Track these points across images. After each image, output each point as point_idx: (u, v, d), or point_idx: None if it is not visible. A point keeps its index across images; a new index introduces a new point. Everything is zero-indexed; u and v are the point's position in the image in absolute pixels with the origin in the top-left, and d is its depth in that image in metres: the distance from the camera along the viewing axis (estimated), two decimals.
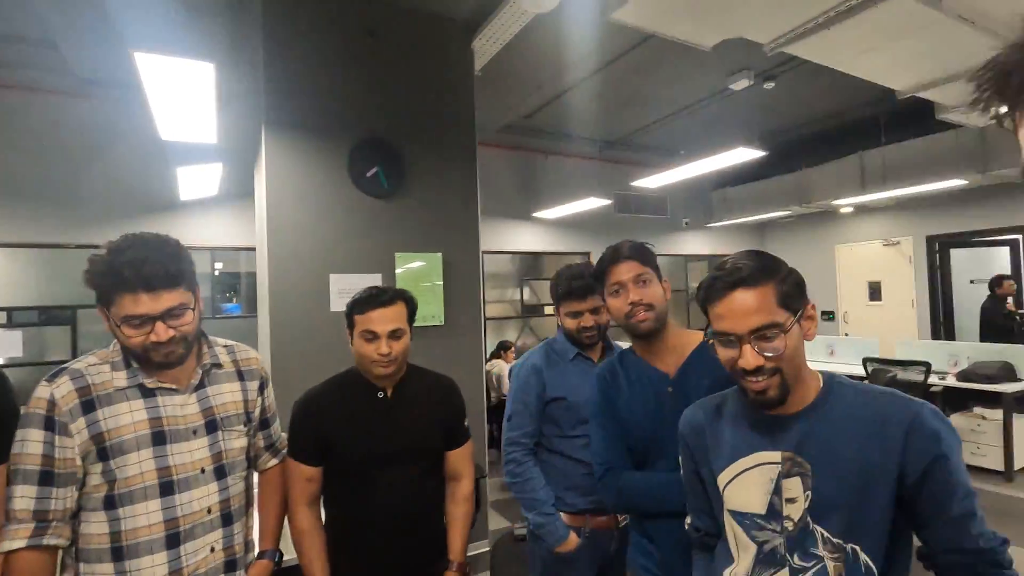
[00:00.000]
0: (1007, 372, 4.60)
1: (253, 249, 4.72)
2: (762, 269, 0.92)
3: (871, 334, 6.74)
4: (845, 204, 6.85)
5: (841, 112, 5.90)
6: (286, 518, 1.44)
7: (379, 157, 3.10)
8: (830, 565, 0.87)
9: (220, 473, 1.20)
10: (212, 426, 1.21)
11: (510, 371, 1.87)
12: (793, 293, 0.92)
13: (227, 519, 1.21)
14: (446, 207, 3.31)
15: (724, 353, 0.94)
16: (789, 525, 0.91)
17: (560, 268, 1.76)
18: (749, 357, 0.89)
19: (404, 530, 1.42)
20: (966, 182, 5.53)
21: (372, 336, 1.40)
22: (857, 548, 0.86)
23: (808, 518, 0.89)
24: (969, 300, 6.67)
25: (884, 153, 5.92)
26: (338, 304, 2.97)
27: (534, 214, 6.71)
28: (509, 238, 6.70)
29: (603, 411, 1.40)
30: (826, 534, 0.88)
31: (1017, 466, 4.36)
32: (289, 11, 2.92)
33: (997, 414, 4.41)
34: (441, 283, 3.25)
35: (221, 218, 5.15)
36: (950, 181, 5.48)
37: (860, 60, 2.58)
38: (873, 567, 0.86)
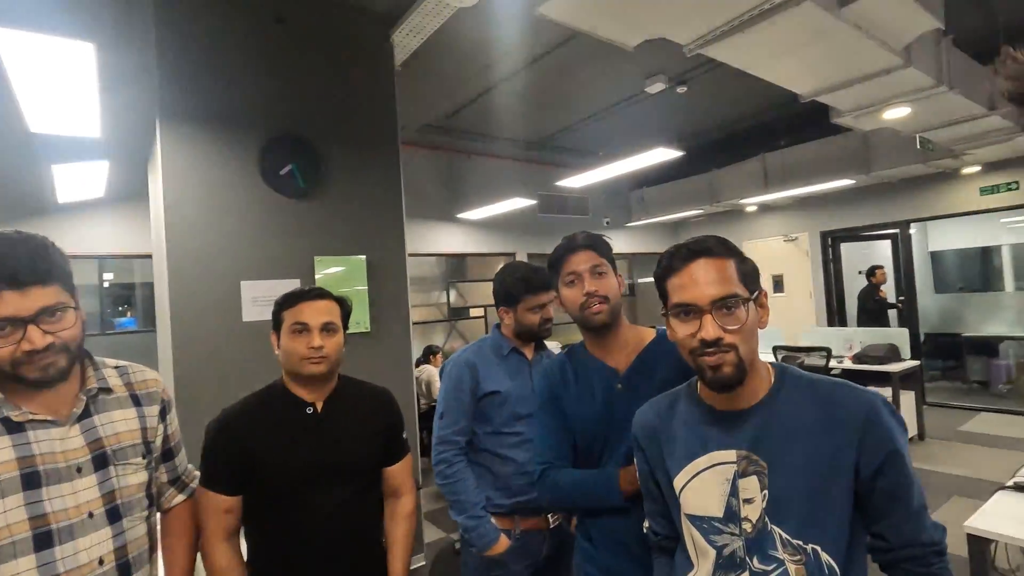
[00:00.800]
0: (894, 353, 5.09)
1: (149, 256, 4.27)
2: (724, 244, 0.92)
3: (776, 323, 7.25)
4: (750, 203, 7.33)
5: (746, 116, 6.29)
6: (199, 558, 1.26)
7: (294, 154, 2.88)
8: (791, 568, 0.85)
9: (114, 516, 1.01)
10: (102, 461, 1.02)
11: (441, 369, 1.84)
12: (750, 275, 0.91)
13: (125, 570, 1.02)
14: (369, 208, 3.15)
15: (682, 328, 0.89)
16: (747, 527, 0.88)
17: (504, 267, 1.75)
18: (709, 327, 0.85)
19: (340, 556, 1.29)
20: (853, 182, 6.08)
21: (302, 328, 1.27)
22: (818, 548, 0.84)
23: (766, 518, 0.87)
24: (858, 289, 7.37)
25: (784, 155, 6.38)
26: (252, 313, 2.72)
27: (458, 215, 6.61)
28: (433, 240, 6.56)
29: (547, 408, 1.36)
30: (785, 535, 0.85)
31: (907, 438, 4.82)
32: None
33: (887, 391, 4.86)
34: (366, 288, 3.08)
35: (109, 223, 4.62)
36: (839, 181, 6.01)
37: (770, 64, 2.72)
38: (835, 567, 0.84)
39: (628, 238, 8.62)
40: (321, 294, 1.34)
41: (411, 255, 3.46)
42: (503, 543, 1.60)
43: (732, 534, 0.89)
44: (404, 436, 1.48)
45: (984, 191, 5.89)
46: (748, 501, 0.88)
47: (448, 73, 4.34)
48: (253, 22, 2.83)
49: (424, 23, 3.14)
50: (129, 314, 5.67)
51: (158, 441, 1.15)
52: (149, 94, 2.79)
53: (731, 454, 0.90)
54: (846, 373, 5.15)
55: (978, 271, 7.87)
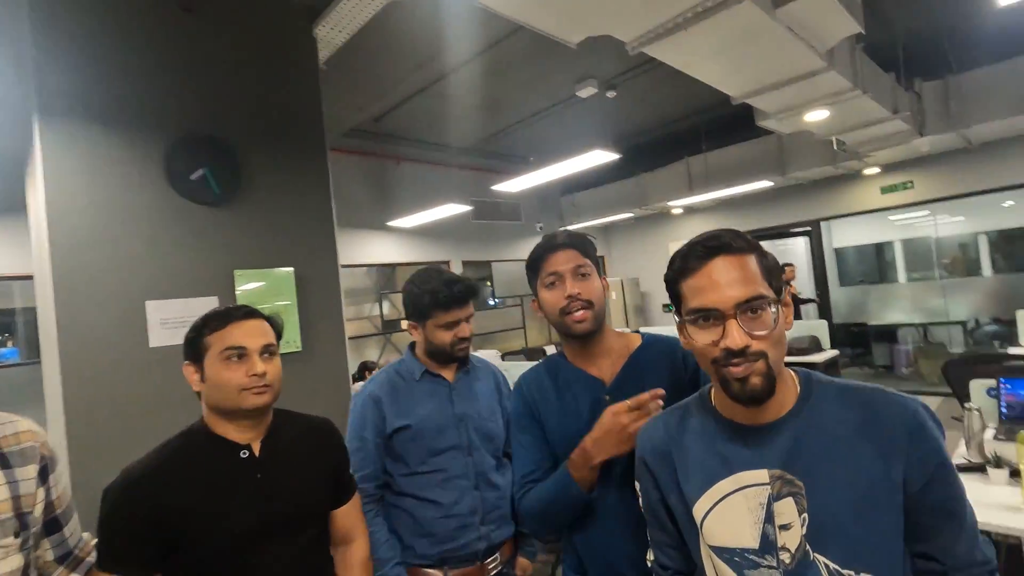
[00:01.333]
0: (816, 344, 5.39)
1: (30, 277, 3.71)
2: (743, 238, 0.81)
3: None
4: (676, 205, 7.57)
5: (672, 121, 6.48)
6: None
7: (207, 157, 2.57)
8: None
9: None
10: None
11: (352, 400, 1.61)
12: (774, 271, 0.79)
13: None
14: (296, 215, 2.87)
15: (701, 336, 0.78)
16: (786, 558, 0.76)
17: (413, 275, 1.51)
18: (735, 334, 0.74)
19: None
20: (771, 183, 6.41)
21: (239, 353, 1.05)
22: None
23: (807, 546, 0.75)
24: None
25: (707, 159, 6.64)
26: (161, 337, 2.38)
27: (389, 223, 6.33)
28: (363, 250, 6.24)
29: (523, 426, 1.21)
30: (832, 565, 0.74)
31: None
32: None
33: None
34: (294, 303, 2.80)
35: None
36: (758, 183, 6.32)
37: (707, 65, 2.75)
38: None
39: None
40: (251, 313, 1.12)
41: (342, 266, 3.22)
42: None
43: (770, 567, 0.77)
44: (351, 472, 1.29)
45: (885, 190, 6.40)
46: (785, 527, 0.77)
47: (376, 73, 4.12)
48: (154, 9, 2.50)
49: (350, 17, 2.93)
50: (10, 344, 4.97)
51: (38, 511, 0.90)
52: (24, 92, 2.38)
53: (762, 474, 0.79)
54: None
55: (875, 265, 8.59)
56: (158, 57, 2.50)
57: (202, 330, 1.08)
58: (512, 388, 1.31)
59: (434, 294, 1.43)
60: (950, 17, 4.22)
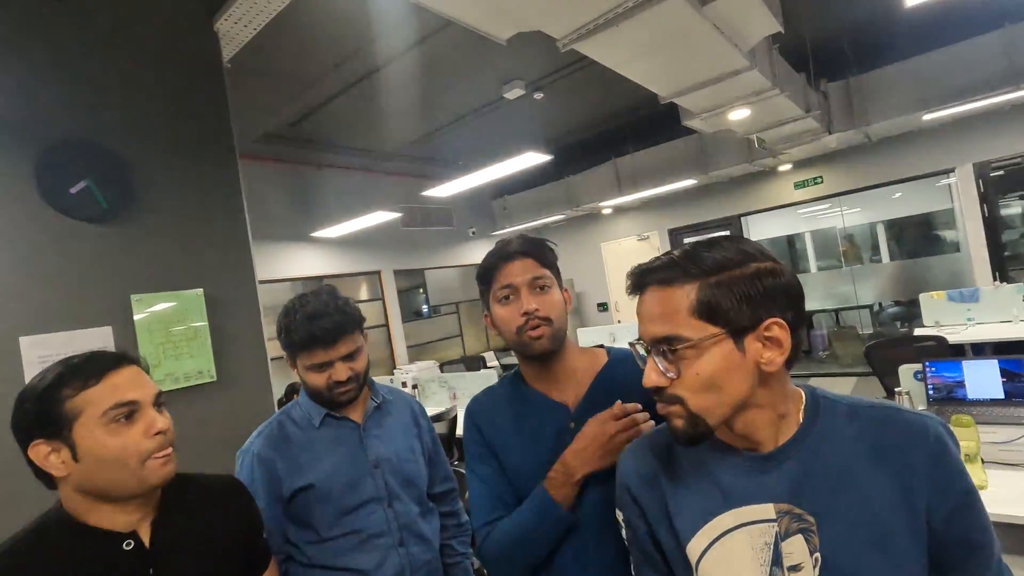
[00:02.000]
0: None
1: None
2: (688, 263, 0.70)
3: (636, 318, 7.65)
4: (606, 206, 7.68)
5: (598, 123, 6.55)
6: None
7: (88, 166, 2.23)
8: None
9: None
10: None
11: (236, 458, 1.32)
12: (731, 301, 0.67)
13: None
14: (203, 230, 2.57)
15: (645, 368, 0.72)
16: None
17: (287, 304, 1.26)
18: (649, 372, 0.71)
19: None
20: (694, 181, 6.63)
21: (132, 410, 0.82)
22: None
23: None
24: None
25: (633, 159, 6.77)
26: None
27: (312, 234, 5.98)
28: (284, 263, 5.85)
29: (480, 456, 1.06)
30: None
31: None
32: None
33: None
34: (205, 325, 2.50)
35: None
36: (682, 182, 6.51)
37: (636, 63, 2.73)
38: None
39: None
40: (120, 358, 0.87)
41: (260, 282, 2.93)
42: None
43: None
44: (264, 536, 1.06)
45: (798, 185, 6.78)
46: (795, 568, 0.67)
47: (290, 73, 3.83)
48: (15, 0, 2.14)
49: (254, 11, 2.67)
50: None
51: None
52: None
53: (768, 509, 0.69)
54: None
55: (788, 256, 9.13)
56: (25, 51, 2.14)
57: (56, 393, 0.80)
58: (464, 414, 1.15)
59: (288, 331, 1.21)
60: (854, 19, 4.50)
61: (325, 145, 5.71)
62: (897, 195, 6.96)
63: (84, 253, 2.21)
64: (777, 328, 0.68)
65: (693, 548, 0.73)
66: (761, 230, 8.69)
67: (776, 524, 0.69)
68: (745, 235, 7.99)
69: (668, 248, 7.85)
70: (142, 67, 2.47)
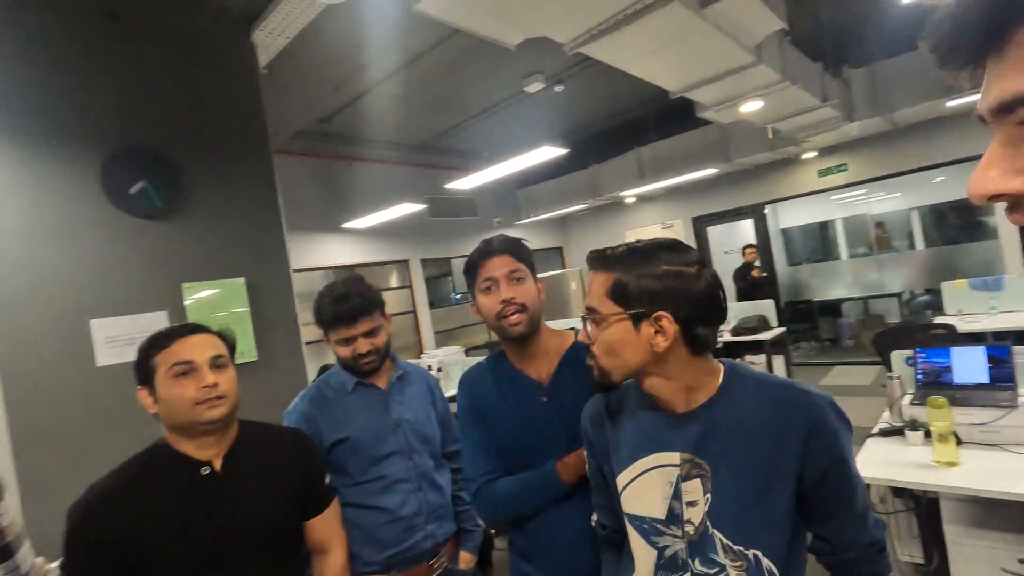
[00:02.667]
0: (763, 323, 5.64)
1: None
2: (611, 258, 0.89)
3: None
4: (629, 195, 7.75)
5: (619, 113, 6.63)
6: None
7: (145, 169, 2.52)
8: (733, 573, 0.83)
9: None
10: None
11: (283, 419, 1.60)
12: (632, 292, 0.85)
13: None
14: (243, 224, 2.84)
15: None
16: (690, 530, 0.86)
17: (320, 291, 1.52)
18: (581, 333, 0.93)
19: None
20: (716, 170, 6.65)
21: (188, 367, 1.06)
22: (759, 554, 0.83)
23: (708, 522, 0.85)
24: (722, 268, 8.09)
25: (655, 148, 6.82)
26: (108, 356, 2.34)
27: (344, 225, 6.27)
28: (318, 253, 6.17)
29: (472, 421, 1.27)
30: (725, 540, 0.84)
31: None
32: None
33: (762, 358, 5.38)
34: (247, 311, 2.78)
35: None
36: (704, 170, 6.54)
37: (641, 62, 2.85)
38: (776, 572, 0.83)
39: (519, 235, 8.67)
40: (196, 328, 1.13)
41: (295, 271, 3.20)
42: None
43: (675, 536, 0.87)
44: (326, 481, 1.31)
45: (822, 173, 6.72)
46: (691, 504, 0.86)
47: (320, 75, 4.07)
48: (77, 20, 2.42)
49: (288, 21, 2.90)
50: None
51: None
52: None
53: (675, 456, 0.88)
54: (726, 345, 5.62)
55: (819, 243, 9.01)
56: (85, 70, 2.42)
57: (149, 351, 1.09)
58: (458, 384, 1.36)
59: (319, 311, 1.46)
60: (873, 6, 4.47)
61: (355, 140, 5.98)
62: (939, 179, 6.81)
63: (142, 246, 2.50)
64: (664, 320, 0.84)
65: (621, 480, 0.93)
66: (791, 216, 8.60)
67: (679, 468, 0.87)
68: (772, 222, 7.98)
69: (692, 236, 7.91)
70: (188, 77, 2.73)
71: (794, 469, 0.82)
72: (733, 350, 5.65)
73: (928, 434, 2.01)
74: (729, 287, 7.39)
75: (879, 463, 2.01)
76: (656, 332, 0.84)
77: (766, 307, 5.88)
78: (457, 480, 1.67)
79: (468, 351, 6.49)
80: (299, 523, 1.22)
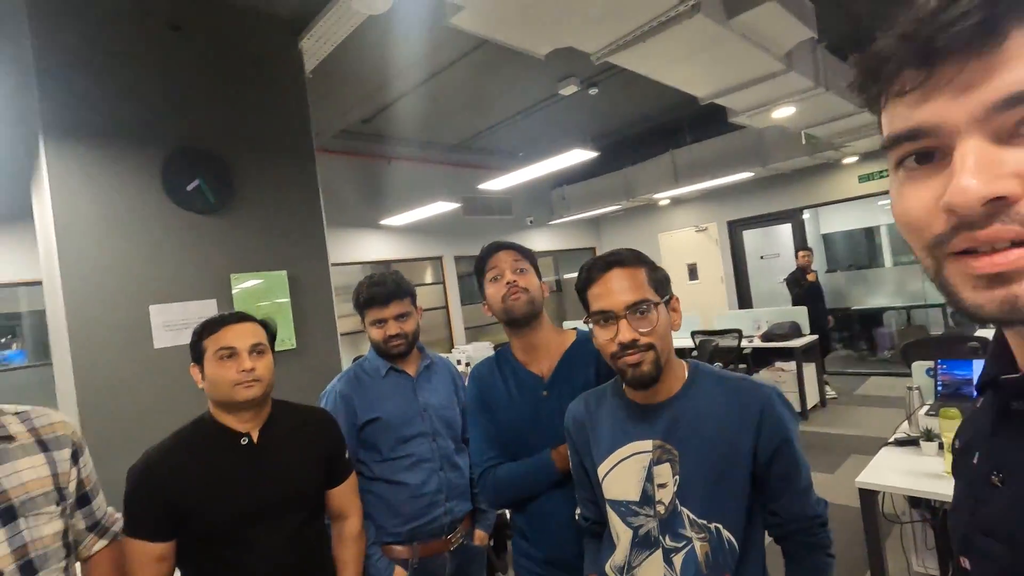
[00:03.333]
0: (795, 330, 5.56)
1: (36, 283, 3.90)
2: (635, 256, 1.01)
3: (692, 309, 7.71)
4: (663, 197, 7.74)
5: (654, 116, 6.63)
6: None
7: (200, 168, 2.74)
8: (697, 544, 0.94)
9: (29, 571, 0.95)
10: (9, 514, 0.95)
11: (321, 398, 1.75)
12: (661, 282, 1.00)
13: None
14: (287, 219, 3.05)
15: (602, 334, 0.97)
16: (661, 509, 0.97)
17: (361, 280, 1.68)
18: (625, 331, 0.94)
19: None
20: (752, 174, 6.57)
21: (230, 352, 1.22)
22: (720, 526, 0.94)
23: (677, 501, 0.96)
24: (758, 273, 7.96)
25: (690, 151, 6.79)
26: (164, 339, 2.57)
27: (381, 222, 6.50)
28: (356, 248, 6.42)
29: (479, 409, 1.39)
30: (691, 516, 0.95)
31: (809, 405, 5.29)
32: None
33: (792, 365, 5.31)
34: (288, 302, 2.98)
35: None
36: (740, 174, 6.48)
37: (669, 70, 2.91)
38: (735, 542, 0.94)
39: (552, 235, 8.83)
40: (242, 317, 1.29)
41: (334, 264, 3.39)
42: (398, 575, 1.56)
43: (647, 516, 0.98)
44: (347, 456, 1.45)
45: (862, 178, 6.56)
46: (662, 486, 0.97)
47: (362, 78, 4.27)
48: (144, 30, 2.66)
49: (333, 30, 3.08)
50: (16, 346, 5.14)
51: (72, 486, 1.09)
52: (29, 111, 2.55)
53: (647, 444, 0.99)
54: (756, 351, 5.58)
55: (863, 250, 8.76)
56: (150, 76, 2.66)
57: (201, 335, 1.25)
58: (468, 376, 1.49)
59: (358, 294, 1.61)
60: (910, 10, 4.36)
61: (394, 139, 6.19)
62: None
63: (196, 239, 2.73)
64: (675, 302, 1.02)
65: (601, 469, 1.05)
66: (833, 221, 8.39)
67: (652, 454, 0.99)
68: (813, 227, 7.81)
69: (727, 240, 7.83)
70: (241, 83, 2.95)
71: (749, 450, 0.94)
72: (764, 356, 5.59)
73: (943, 445, 2.02)
74: (773, 292, 7.26)
75: (891, 471, 2.04)
76: (672, 313, 1.00)
77: (799, 314, 5.78)
78: None
79: (497, 347, 6.63)
80: (322, 491, 1.37)
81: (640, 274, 0.98)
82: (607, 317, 0.96)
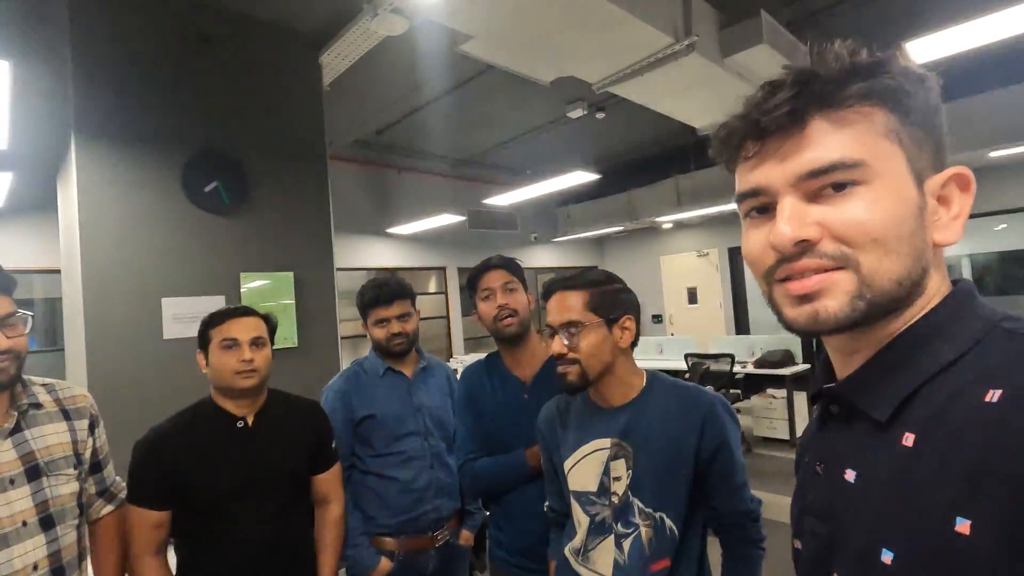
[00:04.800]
0: (788, 357, 5.63)
1: (55, 272, 4.06)
2: (585, 280, 1.13)
3: (691, 333, 7.80)
4: (666, 221, 7.87)
5: (659, 141, 6.79)
6: (127, 573, 1.30)
7: (218, 171, 2.90)
8: (643, 531, 1.06)
9: (48, 524, 1.08)
10: (35, 472, 1.08)
11: (322, 393, 1.84)
12: (608, 304, 1.10)
13: (59, 574, 1.09)
14: (296, 224, 3.20)
15: (549, 344, 1.13)
16: (615, 499, 1.09)
17: (365, 283, 1.78)
18: (555, 344, 1.11)
19: (270, 565, 1.36)
20: None
21: (232, 343, 1.33)
22: (664, 516, 1.06)
23: (629, 492, 1.08)
24: (757, 299, 8.06)
25: (694, 177, 6.93)
26: (173, 331, 2.71)
27: (388, 230, 6.67)
28: (362, 254, 6.57)
29: (466, 407, 1.51)
30: (640, 505, 1.07)
31: (799, 432, 5.34)
32: (102, 9, 2.62)
33: (783, 393, 5.38)
34: (293, 303, 3.12)
35: (10, 235, 4.35)
36: None
37: (667, 102, 3.06)
38: (675, 530, 1.06)
39: (555, 252, 8.97)
40: (247, 311, 1.41)
41: (340, 269, 3.53)
42: (383, 567, 1.62)
43: (603, 505, 1.10)
44: (333, 446, 1.56)
45: None
46: (617, 479, 1.09)
47: (377, 93, 4.46)
48: (177, 41, 2.84)
49: (352, 48, 3.26)
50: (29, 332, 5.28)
51: (87, 453, 1.22)
52: (61, 107, 2.72)
53: (607, 442, 1.11)
54: (748, 377, 5.65)
55: None
56: (178, 82, 2.83)
57: (209, 325, 1.37)
58: (459, 378, 1.61)
59: (362, 295, 1.71)
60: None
61: (405, 151, 6.37)
62: (1000, 227, 6.63)
63: (210, 238, 2.88)
64: (629, 321, 1.11)
65: (567, 465, 1.17)
66: None
67: (610, 450, 1.11)
68: None
69: (728, 266, 7.94)
70: (262, 92, 3.13)
71: (693, 449, 1.06)
72: (756, 383, 5.67)
73: None
74: (771, 320, 7.33)
75: None
76: (622, 332, 1.10)
77: (792, 342, 5.85)
78: None
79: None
80: (308, 475, 1.48)
81: (580, 297, 1.10)
82: (550, 332, 1.13)
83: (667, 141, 6.77)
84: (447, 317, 7.51)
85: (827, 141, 0.46)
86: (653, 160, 7.32)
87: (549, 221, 8.75)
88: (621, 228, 8.16)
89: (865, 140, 0.46)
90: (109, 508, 1.30)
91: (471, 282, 1.51)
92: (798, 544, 0.57)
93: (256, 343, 1.37)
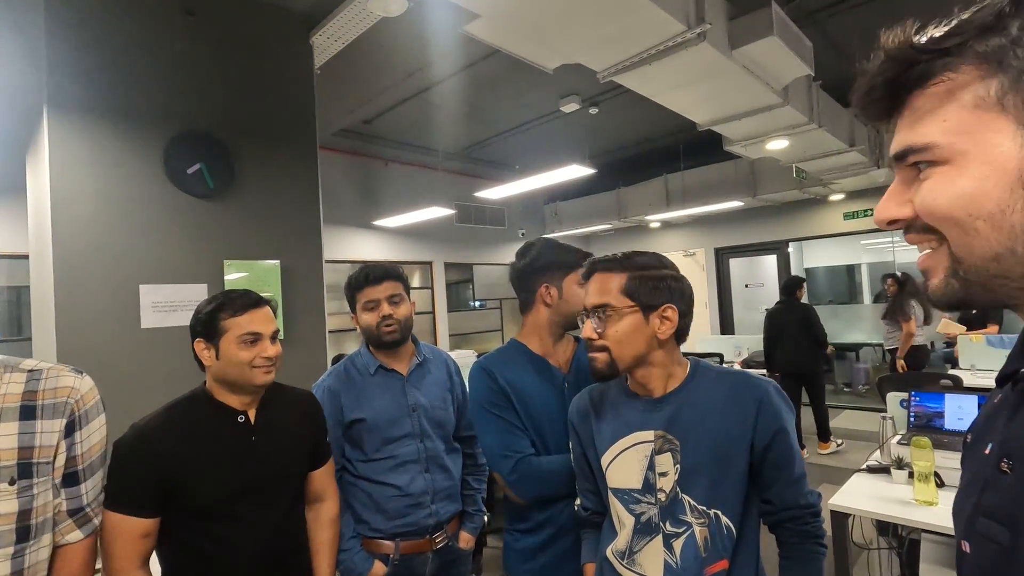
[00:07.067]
0: None
1: (19, 257, 3.84)
2: (626, 262, 1.04)
3: None
4: (654, 219, 7.87)
5: (652, 138, 6.76)
6: None
7: (203, 152, 2.75)
8: (697, 530, 0.98)
9: None
10: None
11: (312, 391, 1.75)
12: (647, 289, 1.01)
13: None
14: (284, 211, 3.06)
15: (582, 328, 1.06)
16: (662, 496, 1.00)
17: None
18: (585, 328, 1.05)
19: (271, 571, 1.24)
20: (742, 203, 6.72)
21: (256, 338, 1.21)
22: (719, 512, 0.98)
23: (678, 488, 0.99)
24: (741, 300, 8.11)
25: (683, 177, 6.93)
26: (152, 319, 2.55)
27: (374, 222, 6.51)
28: (348, 246, 6.41)
29: (503, 407, 1.33)
30: (692, 502, 0.99)
31: None
32: None
33: None
34: (279, 294, 2.98)
35: None
36: (730, 202, 6.63)
37: (671, 95, 3.00)
38: (733, 528, 0.98)
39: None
40: (259, 301, 1.27)
41: (327, 261, 3.40)
42: (377, 571, 1.54)
43: (649, 503, 1.01)
44: (327, 440, 1.45)
45: (847, 216, 6.75)
46: (663, 474, 1.00)
47: (368, 79, 4.31)
48: (159, 12, 2.68)
49: (345, 29, 3.12)
50: None
51: (59, 461, 0.99)
52: (32, 80, 2.54)
53: (649, 434, 1.02)
54: None
55: (844, 286, 8.96)
56: (162, 57, 2.67)
57: (219, 313, 1.22)
58: (474, 370, 1.42)
59: (350, 279, 1.62)
60: None
61: (393, 142, 6.22)
62: None
63: (192, 223, 2.72)
64: (670, 311, 1.02)
65: (605, 459, 1.07)
66: (818, 256, 8.59)
67: (653, 443, 1.02)
68: (796, 260, 8.00)
69: (714, 266, 7.97)
70: (250, 72, 2.97)
71: (747, 439, 0.99)
72: None
73: (912, 474, 2.08)
74: (755, 321, 7.37)
75: (861, 496, 2.09)
76: (662, 322, 1.01)
77: None
78: (467, 464, 1.76)
79: (480, 355, 6.63)
80: (307, 472, 1.37)
81: (616, 280, 1.02)
82: (584, 315, 1.06)
83: (658, 139, 6.74)
84: (432, 312, 7.38)
85: (908, 124, 0.46)
86: (643, 158, 7.29)
87: (537, 217, 8.68)
88: (609, 226, 8.13)
89: (947, 117, 0.43)
90: (77, 535, 1.03)
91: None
92: (966, 547, 0.49)
93: (275, 336, 1.26)
